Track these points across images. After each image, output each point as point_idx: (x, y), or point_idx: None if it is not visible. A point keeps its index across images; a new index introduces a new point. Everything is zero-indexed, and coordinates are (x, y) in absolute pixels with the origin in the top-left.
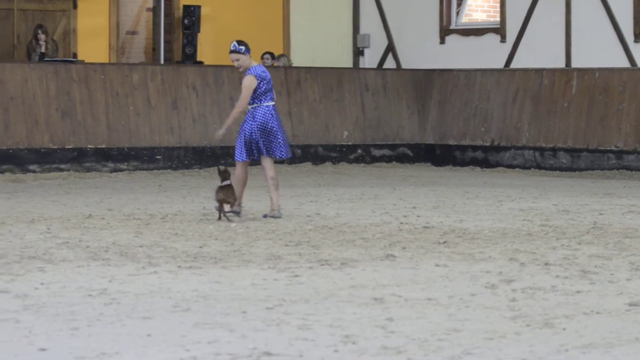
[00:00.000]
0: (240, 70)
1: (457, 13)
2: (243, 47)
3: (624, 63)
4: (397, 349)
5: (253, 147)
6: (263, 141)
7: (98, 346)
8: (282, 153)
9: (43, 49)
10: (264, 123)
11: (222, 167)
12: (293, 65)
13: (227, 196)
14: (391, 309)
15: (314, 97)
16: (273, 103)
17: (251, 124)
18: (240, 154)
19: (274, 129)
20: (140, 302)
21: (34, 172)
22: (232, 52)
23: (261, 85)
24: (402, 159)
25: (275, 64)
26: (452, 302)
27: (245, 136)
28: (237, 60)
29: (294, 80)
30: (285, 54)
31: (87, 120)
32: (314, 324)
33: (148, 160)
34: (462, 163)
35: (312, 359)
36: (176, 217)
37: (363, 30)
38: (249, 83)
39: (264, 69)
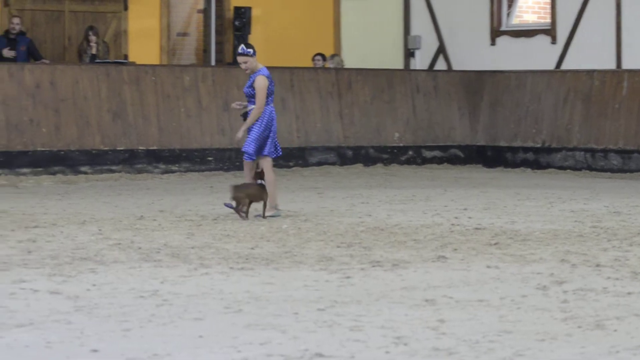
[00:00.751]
0: (247, 72)
1: (508, 14)
2: (251, 50)
3: None
4: (448, 351)
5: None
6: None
7: (150, 347)
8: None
9: (94, 51)
10: (269, 123)
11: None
12: (345, 65)
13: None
14: (442, 311)
15: (364, 99)
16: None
17: (260, 124)
18: (255, 153)
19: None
20: (192, 304)
21: (86, 173)
22: (240, 54)
23: (270, 86)
24: (453, 160)
25: (327, 65)
26: (504, 304)
27: (260, 134)
28: (245, 62)
29: (345, 82)
30: (338, 54)
31: (138, 122)
32: (365, 326)
33: (199, 161)
34: (513, 164)
35: None
36: (228, 219)
37: (414, 31)
38: (263, 83)
39: (268, 72)
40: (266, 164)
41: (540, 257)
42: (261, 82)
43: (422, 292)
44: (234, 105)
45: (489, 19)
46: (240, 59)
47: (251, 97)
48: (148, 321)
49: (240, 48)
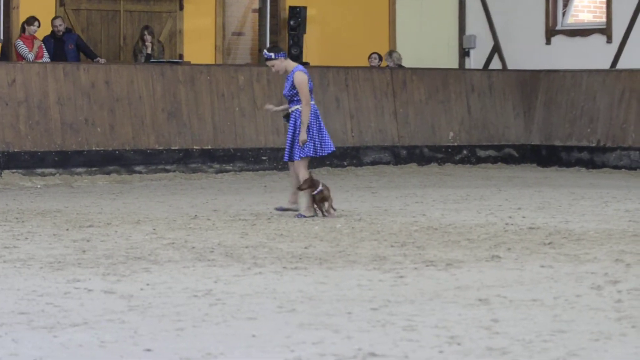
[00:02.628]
0: (281, 73)
1: (563, 14)
2: (272, 53)
3: None
4: (502, 350)
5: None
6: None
7: (203, 347)
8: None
9: (149, 50)
10: (313, 121)
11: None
12: (402, 63)
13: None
14: (496, 310)
15: (419, 98)
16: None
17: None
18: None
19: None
20: (245, 303)
21: (140, 173)
22: (265, 59)
23: (309, 84)
24: (507, 159)
25: (386, 62)
26: (557, 303)
27: (312, 133)
28: (273, 66)
29: (400, 81)
30: (396, 50)
31: (192, 121)
32: (418, 325)
33: (253, 161)
34: (568, 164)
35: None
36: (281, 218)
37: (469, 31)
38: (302, 78)
39: (305, 69)
40: (300, 162)
41: (594, 256)
42: (301, 78)
43: (476, 291)
44: (267, 107)
45: (544, 18)
46: (267, 63)
47: (293, 97)
48: (201, 320)
49: (263, 53)
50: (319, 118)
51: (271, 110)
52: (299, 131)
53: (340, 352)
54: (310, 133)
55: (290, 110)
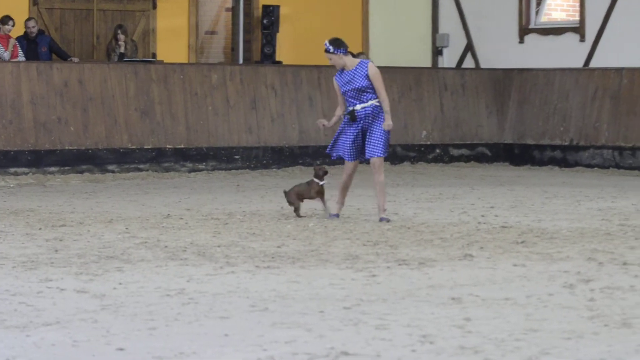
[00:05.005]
0: (338, 68)
1: (537, 12)
2: (331, 46)
3: None
4: (475, 349)
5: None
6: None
7: (176, 346)
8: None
9: (122, 49)
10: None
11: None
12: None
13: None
14: (469, 309)
15: (392, 97)
16: None
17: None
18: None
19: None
20: (217, 302)
21: (113, 172)
22: (325, 52)
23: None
24: (480, 158)
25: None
26: (530, 302)
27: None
28: (330, 59)
29: None
30: (364, 52)
31: (166, 120)
32: (391, 324)
33: (226, 160)
34: (541, 162)
35: (390, 358)
36: (254, 217)
37: (442, 29)
38: (377, 70)
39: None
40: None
41: (567, 255)
42: (376, 69)
43: (449, 290)
44: (320, 122)
45: (517, 17)
46: (325, 55)
47: (366, 90)
48: (174, 320)
49: (324, 43)
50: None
51: (328, 126)
52: (377, 127)
53: (312, 351)
54: (347, 137)
55: (357, 107)
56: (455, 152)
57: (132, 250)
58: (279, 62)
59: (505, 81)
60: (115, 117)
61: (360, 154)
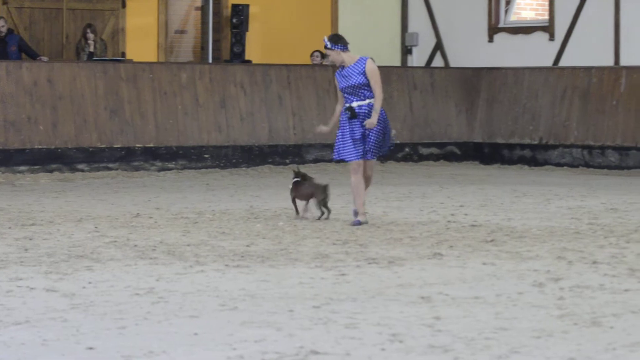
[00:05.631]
0: (337, 65)
1: (506, 11)
2: (330, 42)
3: None
4: (444, 348)
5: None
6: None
7: (145, 345)
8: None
9: (92, 48)
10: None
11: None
12: None
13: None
14: (438, 308)
15: None
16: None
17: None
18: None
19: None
20: (187, 301)
21: (82, 171)
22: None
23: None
24: (450, 157)
25: (324, 62)
26: (500, 301)
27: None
28: (329, 56)
29: None
30: None
31: (135, 120)
32: (361, 323)
33: (196, 159)
34: (510, 161)
35: (359, 357)
36: (224, 216)
37: (411, 28)
38: (375, 67)
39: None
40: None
41: (536, 254)
42: (374, 66)
43: (418, 289)
44: (319, 130)
45: (487, 15)
46: (325, 50)
47: (362, 88)
48: (144, 319)
49: (324, 39)
50: (387, 122)
51: (327, 131)
52: (375, 128)
53: (282, 350)
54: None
55: (354, 104)
56: (424, 151)
57: (101, 249)
58: (249, 61)
59: (475, 80)
60: (84, 116)
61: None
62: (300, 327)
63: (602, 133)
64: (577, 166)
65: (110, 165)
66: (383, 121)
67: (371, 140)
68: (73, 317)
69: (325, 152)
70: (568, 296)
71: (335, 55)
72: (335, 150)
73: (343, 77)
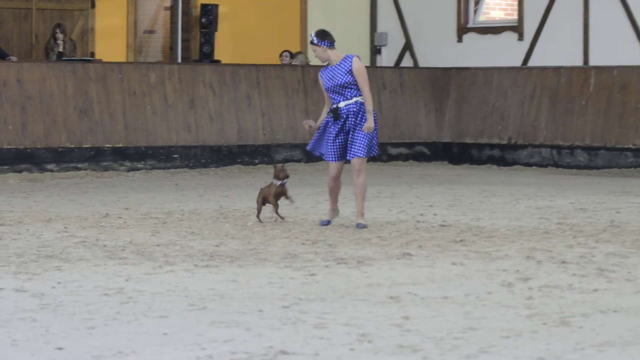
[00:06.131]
0: (322, 62)
1: (475, 11)
2: (316, 38)
3: None
4: (413, 348)
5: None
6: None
7: (115, 345)
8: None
9: (61, 48)
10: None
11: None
12: (310, 63)
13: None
14: (407, 308)
15: None
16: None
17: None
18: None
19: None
20: (156, 301)
21: (52, 171)
22: (310, 43)
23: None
24: (419, 157)
25: (293, 62)
26: (469, 301)
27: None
28: (314, 52)
29: (311, 79)
30: (303, 52)
31: (104, 120)
32: (330, 323)
33: (165, 159)
34: (479, 161)
35: (328, 357)
36: (193, 216)
37: (380, 28)
38: (362, 65)
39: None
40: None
41: (505, 254)
42: (360, 64)
43: (387, 289)
44: (306, 123)
45: (456, 15)
46: (310, 46)
47: (348, 87)
48: (113, 319)
49: (310, 34)
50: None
51: (314, 127)
52: (360, 127)
53: (251, 350)
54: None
55: (340, 104)
56: (393, 151)
57: (71, 250)
58: (218, 61)
59: (444, 80)
60: (53, 116)
61: (344, 155)
62: (269, 327)
63: (571, 133)
64: (546, 166)
65: (80, 165)
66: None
67: (357, 140)
68: (42, 317)
69: (294, 152)
70: (537, 296)
71: (321, 52)
72: (311, 142)
73: (328, 77)
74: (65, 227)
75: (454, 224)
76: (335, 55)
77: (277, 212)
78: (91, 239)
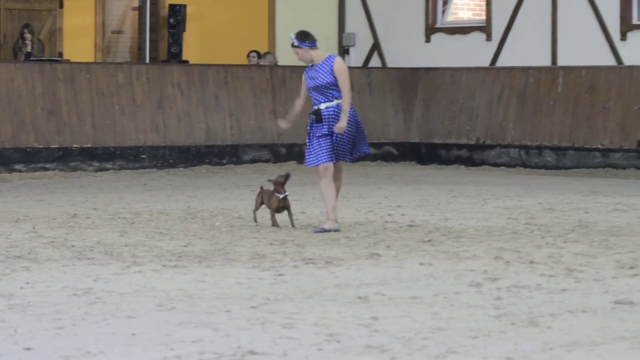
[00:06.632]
0: (305, 63)
1: (443, 11)
2: (297, 40)
3: (610, 61)
4: (381, 348)
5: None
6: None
7: (83, 345)
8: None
9: (29, 49)
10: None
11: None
12: (279, 63)
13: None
14: (375, 308)
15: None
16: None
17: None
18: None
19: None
20: (125, 301)
21: (20, 171)
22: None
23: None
24: (387, 157)
25: (261, 62)
26: (437, 301)
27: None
28: (296, 54)
29: (279, 79)
30: (271, 52)
31: (72, 120)
32: (298, 323)
33: (133, 159)
34: (447, 161)
35: (296, 357)
36: (161, 216)
37: (349, 28)
38: (344, 65)
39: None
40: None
41: (473, 254)
42: (342, 64)
43: (355, 289)
44: (281, 124)
45: (424, 16)
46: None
47: (330, 88)
48: (81, 319)
49: (290, 36)
50: (359, 123)
51: (287, 126)
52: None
53: (219, 350)
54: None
55: (322, 106)
56: None
57: (39, 250)
58: (186, 62)
59: (412, 80)
60: (21, 116)
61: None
62: (238, 327)
63: (539, 133)
64: (514, 166)
65: (48, 165)
66: (354, 122)
67: (343, 142)
68: (10, 317)
69: (262, 152)
70: (505, 296)
71: (303, 54)
72: (308, 158)
73: (311, 76)
74: (33, 228)
75: (422, 224)
76: (318, 55)
77: (273, 218)
78: (59, 239)
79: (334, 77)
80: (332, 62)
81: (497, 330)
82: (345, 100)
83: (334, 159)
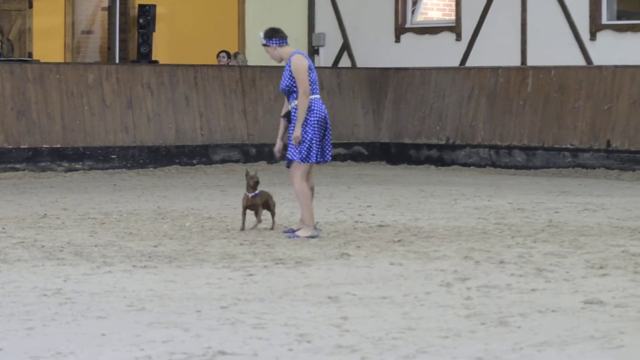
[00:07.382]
0: (277, 61)
1: (413, 12)
2: (265, 38)
3: (580, 61)
4: (352, 348)
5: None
6: (319, 141)
7: (53, 346)
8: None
9: None
10: (324, 117)
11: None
12: (248, 63)
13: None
14: (346, 308)
15: (269, 96)
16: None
17: (310, 119)
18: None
19: (329, 126)
20: (95, 302)
21: None
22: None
23: (312, 74)
24: (357, 157)
25: (231, 63)
26: (407, 301)
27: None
28: (267, 52)
29: (249, 79)
30: (241, 52)
31: (42, 120)
32: (268, 323)
33: (103, 159)
34: (417, 161)
35: (267, 358)
36: (131, 217)
37: (318, 29)
38: (300, 63)
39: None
40: (299, 168)
41: (443, 254)
42: (298, 62)
43: (325, 289)
44: (277, 151)
45: (394, 16)
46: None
47: (293, 88)
48: (51, 319)
49: (259, 34)
50: (327, 121)
51: (280, 149)
52: (323, 126)
53: (189, 351)
54: (311, 135)
55: (290, 106)
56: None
57: (8, 250)
58: (155, 62)
59: (382, 80)
60: None
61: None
62: (208, 327)
63: (509, 133)
64: (484, 166)
65: (17, 165)
66: (323, 120)
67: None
68: None
69: (232, 152)
70: (475, 296)
71: (273, 51)
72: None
73: (282, 77)
74: (3, 228)
75: (392, 224)
76: (287, 53)
77: (257, 216)
78: (29, 240)
79: (293, 78)
80: (290, 60)
81: (467, 330)
82: (300, 106)
83: (315, 159)
